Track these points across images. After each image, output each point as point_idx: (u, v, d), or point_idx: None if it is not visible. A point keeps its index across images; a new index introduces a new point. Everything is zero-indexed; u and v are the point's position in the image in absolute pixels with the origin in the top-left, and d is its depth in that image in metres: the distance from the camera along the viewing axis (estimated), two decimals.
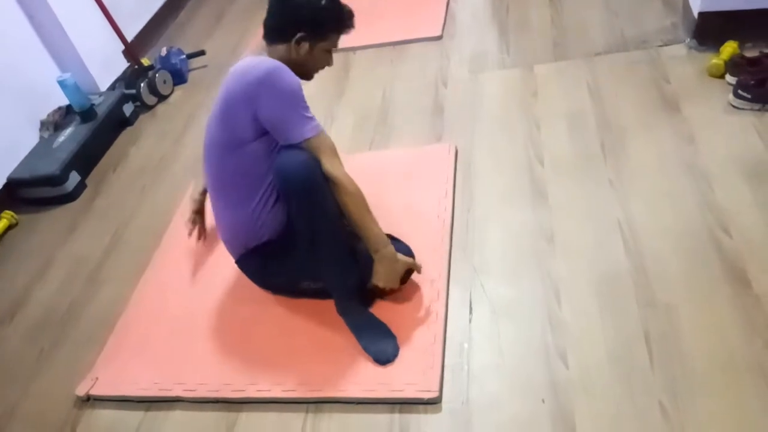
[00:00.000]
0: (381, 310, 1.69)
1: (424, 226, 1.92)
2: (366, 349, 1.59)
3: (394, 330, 1.63)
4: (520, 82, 2.47)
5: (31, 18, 2.73)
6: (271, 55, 1.58)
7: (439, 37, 2.90)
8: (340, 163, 1.54)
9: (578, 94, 2.31)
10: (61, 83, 2.63)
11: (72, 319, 2.00)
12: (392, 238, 1.64)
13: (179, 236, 2.17)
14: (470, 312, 1.67)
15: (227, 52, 3.17)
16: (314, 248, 1.55)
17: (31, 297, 2.13)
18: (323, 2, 1.55)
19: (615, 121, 2.14)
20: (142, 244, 2.20)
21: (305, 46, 1.57)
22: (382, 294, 1.71)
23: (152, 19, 3.47)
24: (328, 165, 1.49)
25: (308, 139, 1.49)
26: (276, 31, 1.58)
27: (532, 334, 1.57)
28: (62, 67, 2.85)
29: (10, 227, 2.45)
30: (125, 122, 2.87)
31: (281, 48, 1.58)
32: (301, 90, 1.52)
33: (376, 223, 1.58)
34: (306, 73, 1.63)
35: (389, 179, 2.16)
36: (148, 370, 1.74)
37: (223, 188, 1.62)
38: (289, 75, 1.50)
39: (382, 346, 1.58)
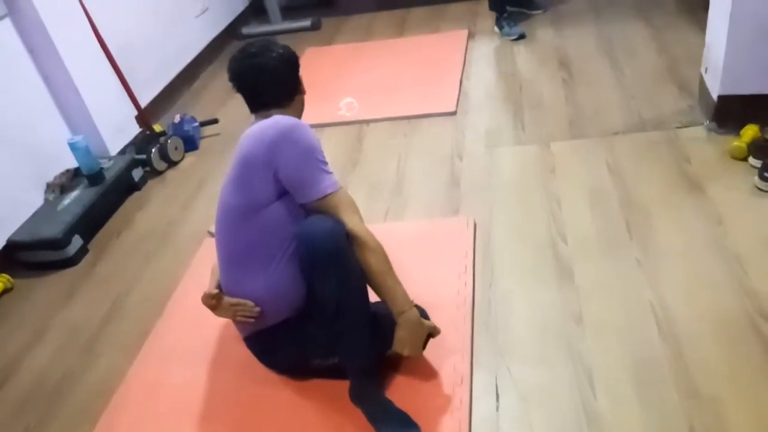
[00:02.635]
0: (400, 395, 1.57)
1: (444, 302, 1.83)
2: None
3: (414, 418, 1.50)
4: (537, 159, 2.44)
5: (46, 78, 2.73)
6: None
7: (454, 113, 2.91)
8: (361, 219, 1.51)
9: (598, 172, 2.28)
10: (72, 145, 2.60)
11: (63, 393, 1.86)
12: None
13: (183, 306, 2.06)
14: (497, 399, 1.55)
15: (240, 121, 3.15)
16: (337, 319, 1.46)
17: (22, 367, 1.99)
18: (288, 52, 1.63)
19: (638, 200, 2.10)
20: (143, 314, 2.09)
21: (302, 92, 1.67)
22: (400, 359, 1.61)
23: (167, 86, 3.50)
24: (349, 223, 1.46)
25: (328, 195, 1.46)
26: (284, 96, 1.62)
27: (566, 426, 1.45)
28: (73, 130, 2.82)
29: (5, 291, 2.33)
30: (133, 187, 2.81)
31: (290, 108, 1.62)
32: (319, 144, 1.52)
33: (399, 283, 1.51)
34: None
35: (406, 252, 2.07)
36: None
37: (240, 260, 1.53)
38: (307, 130, 1.51)
39: None
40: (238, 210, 1.51)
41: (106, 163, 2.76)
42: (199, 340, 1.91)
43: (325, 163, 1.51)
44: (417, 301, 1.58)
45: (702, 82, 2.46)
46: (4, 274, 2.35)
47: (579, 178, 2.27)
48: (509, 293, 1.86)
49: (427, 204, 2.35)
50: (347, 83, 3.38)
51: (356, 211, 1.50)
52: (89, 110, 2.83)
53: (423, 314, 1.60)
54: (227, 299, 1.54)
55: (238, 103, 1.70)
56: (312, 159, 1.47)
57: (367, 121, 2.98)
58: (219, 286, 1.59)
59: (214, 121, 3.19)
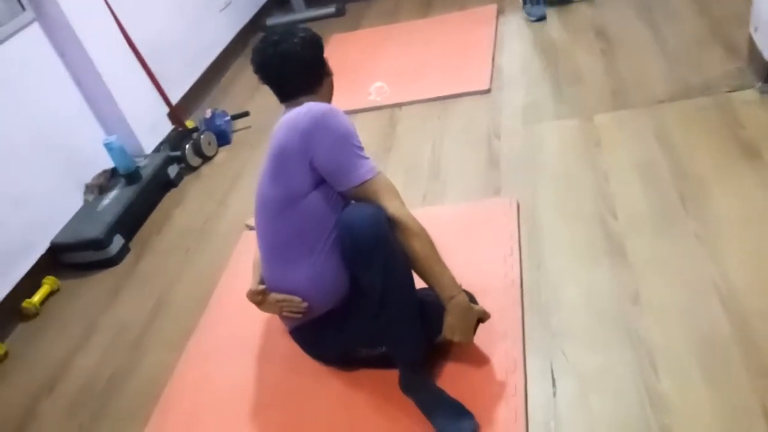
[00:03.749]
0: (452, 383, 1.52)
1: (492, 286, 1.77)
2: (441, 431, 1.41)
3: (468, 406, 1.45)
4: (580, 132, 2.35)
5: (79, 82, 2.74)
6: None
7: (488, 91, 2.82)
8: (402, 204, 1.46)
9: (646, 143, 2.18)
10: (108, 146, 2.61)
11: (114, 391, 1.87)
12: None
13: (226, 300, 2.05)
14: (553, 384, 1.49)
15: (270, 113, 3.11)
16: (383, 309, 1.41)
17: (72, 366, 2.02)
18: (310, 34, 1.57)
19: (691, 170, 1.99)
20: (187, 310, 2.09)
21: (330, 74, 1.62)
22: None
23: (196, 82, 3.50)
24: (390, 208, 1.41)
25: (366, 181, 1.42)
26: (312, 81, 1.57)
27: (629, 410, 1.38)
28: (108, 131, 2.84)
29: (51, 293, 2.37)
30: (170, 184, 2.82)
31: (319, 92, 1.58)
32: (354, 129, 1.47)
33: (446, 267, 1.46)
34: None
35: (447, 236, 2.00)
36: None
37: (282, 252, 1.50)
38: (341, 115, 1.46)
39: (459, 425, 1.39)
40: (276, 202, 1.47)
41: (141, 162, 2.77)
42: (244, 333, 1.90)
43: (362, 149, 1.46)
44: (463, 287, 1.52)
45: (751, 42, 2.33)
46: (50, 276, 2.39)
47: (626, 151, 2.18)
48: (559, 274, 1.79)
49: (466, 186, 2.28)
50: (376, 67, 3.32)
51: (397, 195, 1.45)
52: (122, 110, 2.84)
53: (471, 299, 1.55)
54: (273, 295, 1.51)
55: (268, 95, 1.66)
56: (348, 145, 1.43)
57: (399, 105, 2.92)
58: (262, 281, 1.56)
59: (245, 114, 3.17)
